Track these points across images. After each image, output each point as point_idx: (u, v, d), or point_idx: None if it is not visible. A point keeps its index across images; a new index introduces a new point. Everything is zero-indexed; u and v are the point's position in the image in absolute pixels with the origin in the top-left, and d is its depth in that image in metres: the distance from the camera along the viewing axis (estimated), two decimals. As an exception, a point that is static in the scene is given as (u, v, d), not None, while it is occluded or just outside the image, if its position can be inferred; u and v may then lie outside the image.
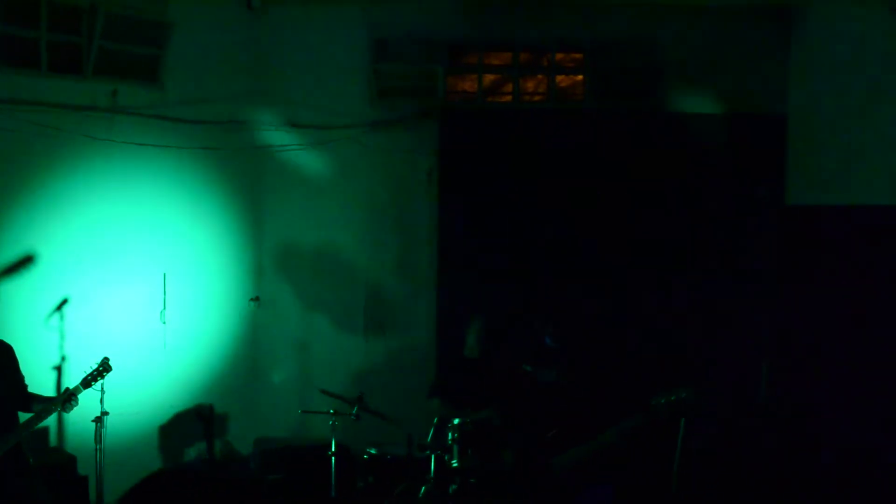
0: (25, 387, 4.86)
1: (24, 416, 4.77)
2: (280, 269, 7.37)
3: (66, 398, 4.73)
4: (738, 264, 7.17)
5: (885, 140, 6.21)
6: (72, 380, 5.58)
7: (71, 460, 5.99)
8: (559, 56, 7.53)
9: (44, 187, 6.32)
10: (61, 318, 6.25)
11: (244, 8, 7.25)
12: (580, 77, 7.55)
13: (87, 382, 4.92)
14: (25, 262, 6.19)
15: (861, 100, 6.42)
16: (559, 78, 7.56)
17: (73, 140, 6.38)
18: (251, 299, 7.25)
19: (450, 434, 5.34)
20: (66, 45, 6.38)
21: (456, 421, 5.39)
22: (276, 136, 7.28)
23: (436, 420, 5.95)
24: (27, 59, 6.27)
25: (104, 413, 5.31)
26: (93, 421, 5.38)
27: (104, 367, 4.99)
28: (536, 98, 7.64)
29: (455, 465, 5.28)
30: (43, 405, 4.74)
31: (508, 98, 7.58)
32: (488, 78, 7.60)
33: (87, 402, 5.15)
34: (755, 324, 7.05)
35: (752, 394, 6.90)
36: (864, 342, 6.01)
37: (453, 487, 5.23)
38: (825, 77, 6.91)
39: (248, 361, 7.30)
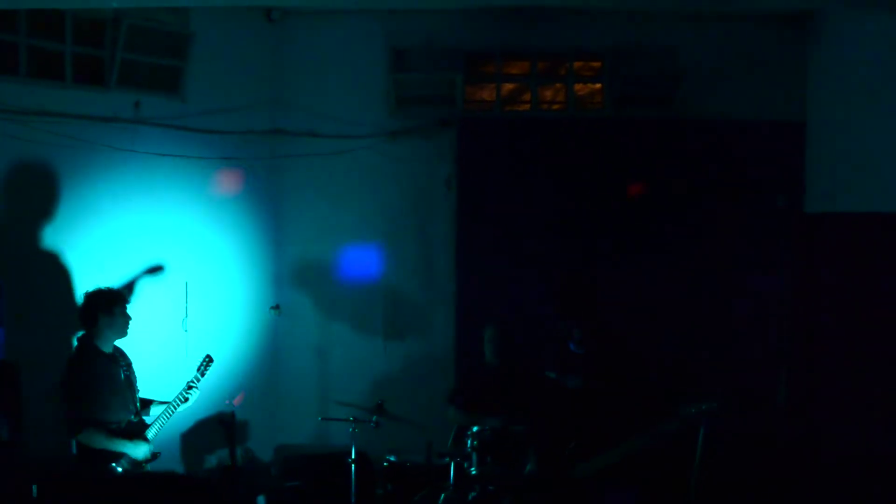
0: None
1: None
2: (300, 277, 7.42)
3: (188, 388, 5.35)
4: (758, 271, 7.15)
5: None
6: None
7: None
8: (577, 64, 7.55)
9: (67, 197, 6.41)
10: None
11: (264, 19, 7.33)
12: (598, 85, 7.56)
13: (201, 372, 5.46)
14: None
15: (880, 107, 6.39)
16: (577, 86, 7.57)
17: (96, 151, 6.47)
18: (272, 307, 7.30)
19: (469, 441, 5.36)
20: (90, 57, 6.48)
21: (475, 428, 5.40)
22: (296, 146, 7.34)
23: (455, 428, 5.98)
24: (52, 71, 6.37)
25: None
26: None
27: (207, 361, 5.50)
28: (555, 107, 7.66)
29: (474, 472, 5.30)
30: (175, 399, 5.35)
31: (527, 106, 7.61)
32: (507, 87, 7.63)
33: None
34: (775, 329, 7.03)
35: (771, 398, 6.88)
36: (882, 348, 5.98)
37: (472, 495, 5.24)
38: (844, 84, 6.88)
39: (268, 369, 7.35)
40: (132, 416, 5.24)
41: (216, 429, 5.27)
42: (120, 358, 5.34)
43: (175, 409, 5.36)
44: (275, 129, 7.34)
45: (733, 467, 5.81)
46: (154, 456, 5.22)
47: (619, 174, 7.30)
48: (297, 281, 7.43)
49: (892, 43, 6.24)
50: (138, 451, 5.14)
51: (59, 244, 6.33)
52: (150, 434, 5.24)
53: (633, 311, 7.01)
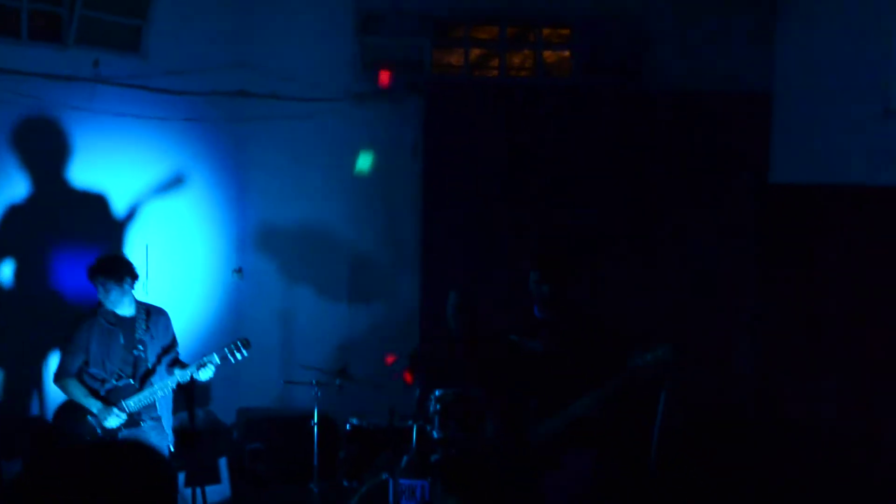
0: (176, 353, 5.35)
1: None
2: (263, 240, 7.35)
3: (202, 365, 5.09)
4: (721, 240, 7.20)
5: (866, 120, 6.24)
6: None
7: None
8: (546, 31, 7.51)
9: (23, 156, 6.27)
10: (44, 288, 6.24)
11: (229, -23, 7.20)
12: (567, 53, 7.54)
13: (223, 356, 5.16)
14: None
15: (846, 78, 6.44)
16: (546, 53, 7.54)
17: (54, 110, 6.33)
18: (234, 270, 7.24)
19: (431, 405, 5.38)
20: (48, 13, 6.33)
21: (438, 392, 5.42)
22: (261, 108, 7.22)
23: (418, 391, 5.99)
24: (8, 27, 6.21)
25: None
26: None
27: (243, 343, 5.20)
28: (523, 73, 7.63)
29: (436, 435, 5.32)
30: (181, 370, 5.12)
31: (495, 73, 7.57)
32: (475, 52, 7.58)
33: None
34: (739, 298, 7.11)
35: (732, 365, 6.97)
36: (844, 316, 6.08)
37: (435, 458, 5.27)
38: (811, 55, 6.91)
39: (231, 332, 7.24)
40: (130, 381, 5.12)
41: (176, 391, 5.23)
42: (136, 321, 5.21)
43: (175, 384, 5.15)
44: (239, 90, 7.21)
45: (694, 433, 5.90)
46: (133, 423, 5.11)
47: (585, 142, 7.29)
48: (260, 244, 7.36)
49: (858, 14, 6.28)
50: (109, 419, 5.06)
51: (16, 204, 6.20)
52: (129, 403, 5.10)
53: (595, 278, 7.03)
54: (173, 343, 5.38)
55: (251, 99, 7.24)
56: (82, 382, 5.15)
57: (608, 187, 7.24)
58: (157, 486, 1.77)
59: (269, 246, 7.34)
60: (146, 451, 1.85)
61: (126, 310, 5.23)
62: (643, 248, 7.22)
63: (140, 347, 5.18)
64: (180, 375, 5.10)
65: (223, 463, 6.07)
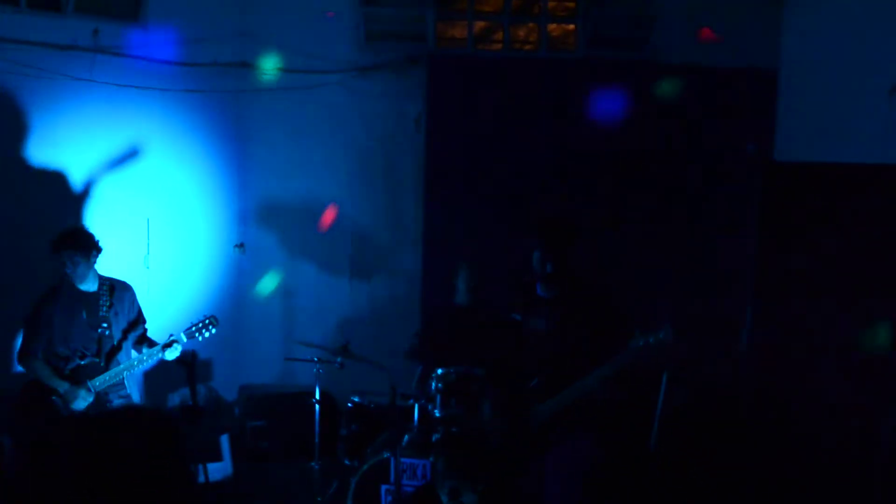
0: (143, 329, 5.21)
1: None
2: (265, 215, 7.31)
3: (168, 345, 4.99)
4: (725, 218, 7.17)
5: (873, 97, 6.17)
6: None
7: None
8: (551, 4, 7.40)
9: (22, 126, 6.21)
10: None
11: (231, -55, 7.07)
12: (572, 26, 7.43)
13: (190, 334, 5.10)
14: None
15: (855, 55, 6.36)
16: (551, 26, 7.44)
17: (53, 79, 6.25)
18: (235, 246, 7.20)
19: (433, 384, 5.37)
20: (46, -20, 6.22)
21: (440, 371, 5.41)
22: (262, 80, 7.14)
23: (420, 369, 5.99)
24: (5, -5, 6.11)
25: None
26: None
27: (210, 322, 5.13)
28: (527, 46, 7.53)
29: (438, 414, 5.31)
30: (148, 349, 5.02)
31: (499, 46, 7.46)
32: (479, 25, 7.47)
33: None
34: (740, 278, 7.08)
35: (733, 348, 6.96)
36: (847, 299, 6.05)
37: (436, 436, 5.27)
38: (819, 31, 6.82)
39: (232, 308, 7.26)
40: (95, 360, 5.02)
41: (178, 368, 5.21)
42: (100, 297, 5.07)
43: (140, 364, 5.09)
44: (241, 61, 7.12)
45: (695, 416, 5.90)
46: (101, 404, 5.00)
47: (589, 116, 7.21)
48: (262, 219, 7.32)
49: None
50: (76, 401, 4.93)
51: (14, 174, 6.15)
52: (95, 383, 4.98)
53: (599, 255, 7.00)
54: (139, 318, 5.25)
55: (253, 70, 7.15)
56: (47, 362, 5.01)
57: (611, 163, 7.18)
58: (164, 444, 1.76)
59: (270, 221, 7.30)
60: (145, 413, 1.84)
61: (89, 285, 5.06)
62: (644, 224, 7.18)
63: (104, 325, 5.03)
64: (147, 356, 5.00)
65: (225, 440, 6.08)
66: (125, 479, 1.66)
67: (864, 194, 5.94)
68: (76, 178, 6.45)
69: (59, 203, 6.38)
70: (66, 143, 6.39)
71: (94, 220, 6.40)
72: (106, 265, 5.95)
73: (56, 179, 6.37)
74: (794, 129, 7.12)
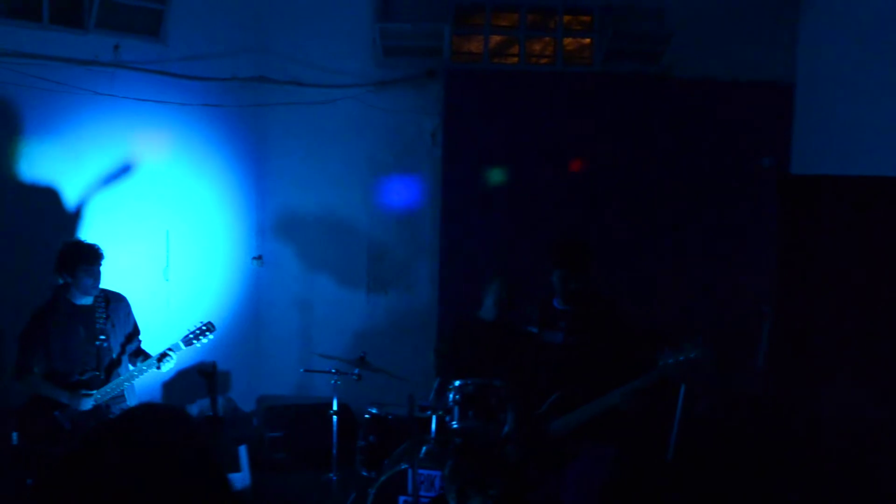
0: (138, 341, 5.14)
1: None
2: (283, 228, 7.36)
3: (162, 357, 4.93)
4: (742, 232, 7.17)
5: (890, 110, 6.16)
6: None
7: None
8: (567, 18, 7.44)
9: (46, 141, 6.28)
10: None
11: (249, -37, 7.16)
12: (588, 40, 7.47)
13: (188, 341, 5.06)
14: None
15: (871, 68, 6.36)
16: (567, 41, 7.48)
17: (75, 94, 6.33)
18: (254, 258, 7.24)
19: (451, 395, 5.37)
20: (69, -3, 6.31)
21: (457, 382, 5.41)
22: (280, 95, 7.21)
23: (437, 381, 5.99)
24: (29, 11, 6.20)
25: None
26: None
27: (207, 328, 5.10)
28: (543, 60, 7.57)
29: (455, 426, 5.31)
30: (143, 362, 4.95)
31: (515, 60, 7.51)
32: (495, 39, 7.52)
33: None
34: (757, 290, 7.07)
35: (752, 360, 6.94)
36: (865, 311, 6.03)
37: (452, 447, 5.26)
38: (835, 45, 6.83)
39: (251, 320, 7.33)
40: (95, 373, 4.91)
41: (197, 379, 5.23)
42: (96, 310, 4.95)
43: (139, 375, 4.97)
44: (259, 76, 7.20)
45: (713, 427, 5.88)
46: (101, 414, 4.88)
47: (605, 130, 7.25)
48: (279, 232, 7.37)
49: (883, 3, 6.18)
50: (83, 401, 4.82)
51: (37, 188, 6.22)
52: (97, 394, 4.87)
53: (616, 268, 7.01)
54: (135, 331, 5.15)
55: (270, 85, 7.23)
56: (46, 379, 4.88)
57: (628, 176, 7.20)
58: (188, 438, 1.71)
59: (288, 233, 7.35)
60: (162, 409, 1.80)
61: (85, 298, 4.93)
62: (662, 237, 7.18)
63: (102, 338, 4.91)
64: (143, 369, 4.91)
65: (243, 451, 6.09)
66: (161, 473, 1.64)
67: (881, 206, 5.94)
68: (97, 190, 6.51)
69: (80, 216, 6.44)
70: (88, 157, 6.46)
71: (114, 232, 6.45)
72: (126, 277, 6.02)
73: (77, 192, 6.44)
74: (811, 143, 7.12)
